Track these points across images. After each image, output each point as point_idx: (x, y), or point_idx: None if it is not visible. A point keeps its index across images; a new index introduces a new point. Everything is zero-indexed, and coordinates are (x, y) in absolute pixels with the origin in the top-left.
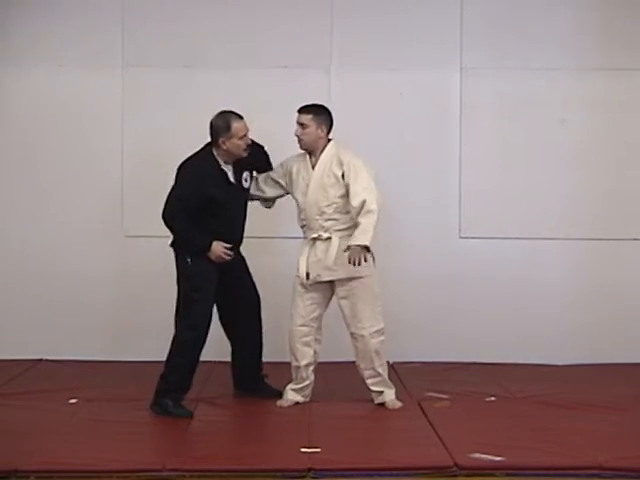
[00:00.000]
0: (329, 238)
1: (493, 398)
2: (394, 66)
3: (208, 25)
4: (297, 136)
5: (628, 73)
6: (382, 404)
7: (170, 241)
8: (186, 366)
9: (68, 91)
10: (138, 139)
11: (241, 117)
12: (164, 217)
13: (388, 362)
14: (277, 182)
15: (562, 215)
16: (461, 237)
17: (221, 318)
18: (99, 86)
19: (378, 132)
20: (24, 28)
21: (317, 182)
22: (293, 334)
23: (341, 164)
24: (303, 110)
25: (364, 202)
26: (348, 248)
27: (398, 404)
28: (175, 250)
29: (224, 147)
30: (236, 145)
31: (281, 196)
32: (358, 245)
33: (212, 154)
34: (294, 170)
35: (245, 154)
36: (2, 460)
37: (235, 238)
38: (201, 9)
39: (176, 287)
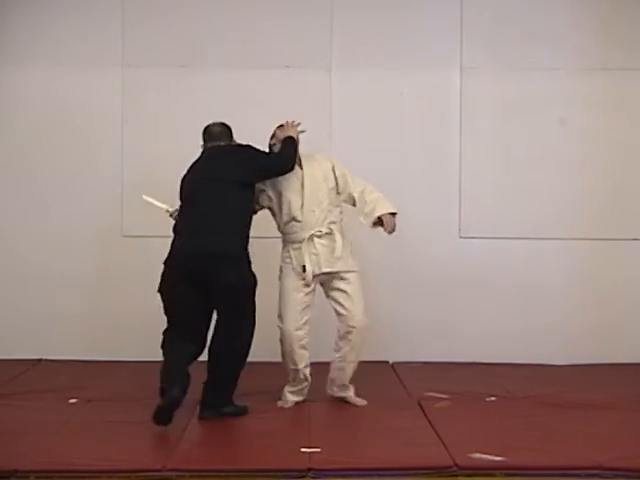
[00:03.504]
0: (328, 233)
1: (493, 398)
2: (394, 66)
3: (208, 25)
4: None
5: (628, 73)
6: (343, 399)
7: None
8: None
9: (68, 91)
10: (138, 139)
11: None
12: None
13: (388, 362)
14: (261, 189)
15: (562, 215)
16: (461, 237)
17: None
18: (99, 86)
19: (378, 132)
20: (24, 27)
21: (311, 174)
22: (290, 339)
23: (328, 159)
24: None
25: (365, 188)
26: (379, 219)
27: (363, 401)
28: (236, 262)
29: None
30: None
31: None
32: (389, 212)
33: None
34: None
35: None
36: (2, 460)
37: None
38: (201, 9)
39: None
